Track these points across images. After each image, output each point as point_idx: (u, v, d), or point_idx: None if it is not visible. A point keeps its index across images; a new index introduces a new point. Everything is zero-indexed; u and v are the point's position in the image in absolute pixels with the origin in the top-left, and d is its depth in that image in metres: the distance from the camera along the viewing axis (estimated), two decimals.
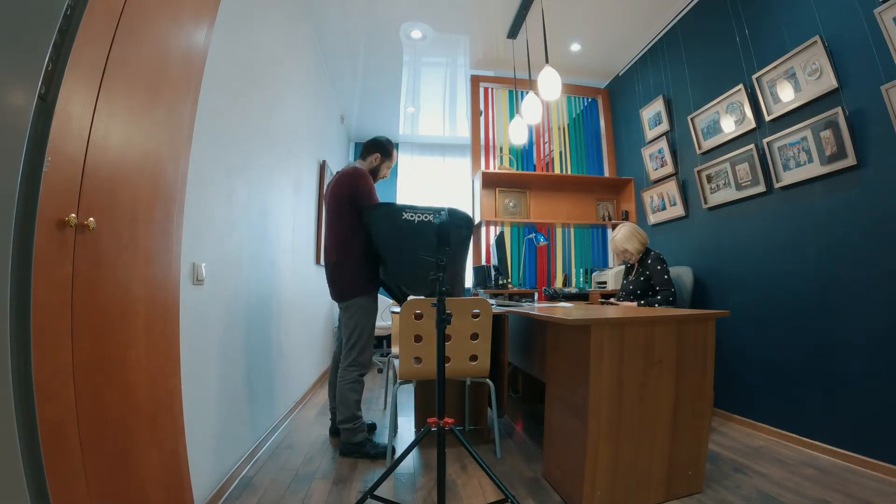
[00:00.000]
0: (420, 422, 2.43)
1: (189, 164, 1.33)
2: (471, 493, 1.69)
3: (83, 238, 0.89)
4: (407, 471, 1.92)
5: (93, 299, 0.93)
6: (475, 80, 4.09)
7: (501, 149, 4.17)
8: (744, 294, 2.56)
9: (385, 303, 4.28)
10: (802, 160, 2.22)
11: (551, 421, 1.80)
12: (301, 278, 3.11)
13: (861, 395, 1.92)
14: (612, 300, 2.81)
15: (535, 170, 4.35)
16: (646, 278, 2.59)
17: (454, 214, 2.07)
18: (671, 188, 3.23)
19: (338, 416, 2.06)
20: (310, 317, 3.40)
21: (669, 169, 3.26)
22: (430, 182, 5.58)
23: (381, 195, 2.16)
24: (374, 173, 2.30)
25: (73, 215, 0.85)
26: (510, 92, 4.17)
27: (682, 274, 2.81)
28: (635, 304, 2.59)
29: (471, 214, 2.25)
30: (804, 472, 1.87)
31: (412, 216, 2.02)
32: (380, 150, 2.30)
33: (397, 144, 5.70)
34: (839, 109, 2.01)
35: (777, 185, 2.37)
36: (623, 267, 2.97)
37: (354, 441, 2.02)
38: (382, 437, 2.32)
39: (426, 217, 2.03)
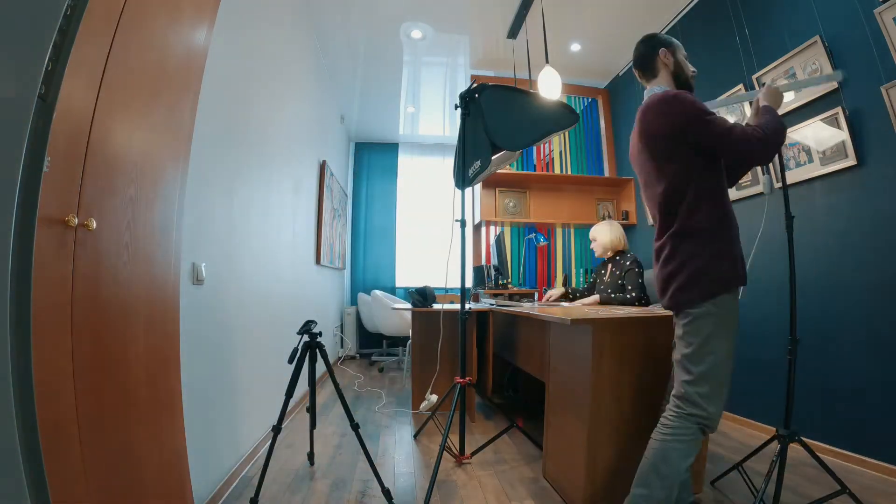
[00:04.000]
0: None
1: (189, 163, 1.33)
2: (470, 492, 1.69)
3: (83, 238, 0.89)
4: (407, 470, 1.92)
5: (93, 299, 0.93)
6: (475, 80, 4.08)
7: None
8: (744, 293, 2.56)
9: (389, 304, 4.27)
10: (802, 160, 2.22)
11: (551, 421, 1.80)
12: (301, 278, 3.11)
13: (861, 394, 1.92)
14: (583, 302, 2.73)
15: (535, 170, 4.35)
16: (622, 279, 2.59)
17: None
18: None
19: (636, 489, 1.27)
20: (310, 316, 3.39)
21: None
22: (429, 182, 5.58)
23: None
24: (682, 79, 1.44)
25: (73, 215, 0.85)
26: None
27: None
28: (597, 297, 2.58)
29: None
30: (804, 472, 1.87)
31: None
32: (661, 43, 1.45)
33: (397, 144, 5.70)
34: (839, 109, 2.01)
35: (776, 185, 2.37)
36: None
37: None
38: (387, 435, 2.31)
39: None
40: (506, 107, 1.88)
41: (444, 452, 1.87)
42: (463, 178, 1.97)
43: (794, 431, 1.55)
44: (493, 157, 1.85)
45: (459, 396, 1.93)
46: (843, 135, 2.01)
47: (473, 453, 2.03)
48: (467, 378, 1.98)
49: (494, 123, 1.83)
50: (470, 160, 1.95)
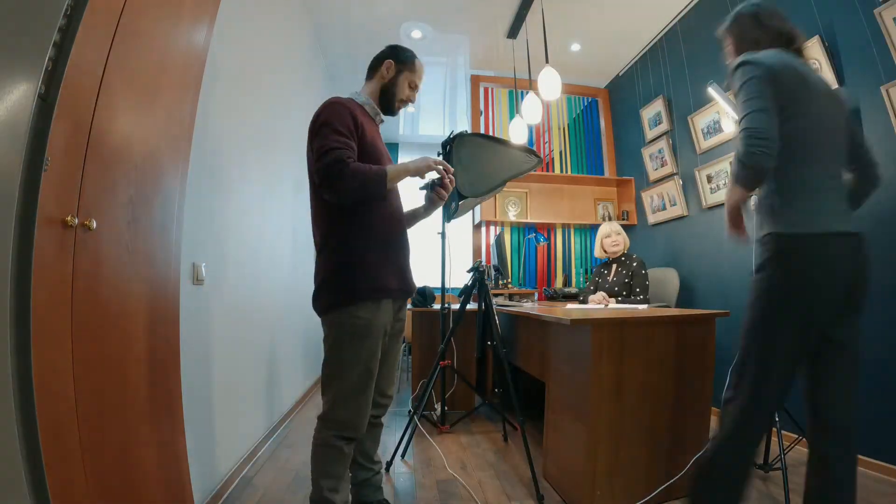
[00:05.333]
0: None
1: (189, 163, 1.33)
2: (471, 491, 1.69)
3: (83, 238, 0.89)
4: (406, 470, 1.92)
5: (93, 299, 0.93)
6: (475, 80, 4.08)
7: None
8: (743, 293, 2.55)
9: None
10: None
11: (551, 421, 1.80)
12: (301, 278, 3.11)
13: (860, 394, 1.92)
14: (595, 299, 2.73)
15: (535, 170, 4.35)
16: (629, 279, 2.62)
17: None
18: (671, 188, 3.23)
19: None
20: (310, 316, 3.39)
21: (669, 169, 3.26)
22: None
23: None
24: (388, 96, 1.47)
25: (73, 215, 0.84)
26: (510, 92, 4.17)
27: (666, 276, 2.84)
28: (613, 300, 2.60)
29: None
30: (804, 472, 1.86)
31: None
32: (392, 54, 1.49)
33: (397, 144, 5.69)
34: None
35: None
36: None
37: None
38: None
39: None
40: (471, 157, 2.03)
41: (426, 421, 2.47)
42: (444, 215, 2.18)
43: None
44: (461, 202, 2.07)
45: (440, 375, 2.28)
46: None
47: (452, 425, 2.43)
48: (447, 361, 2.32)
49: (460, 173, 1.95)
50: (449, 201, 2.17)
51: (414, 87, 1.53)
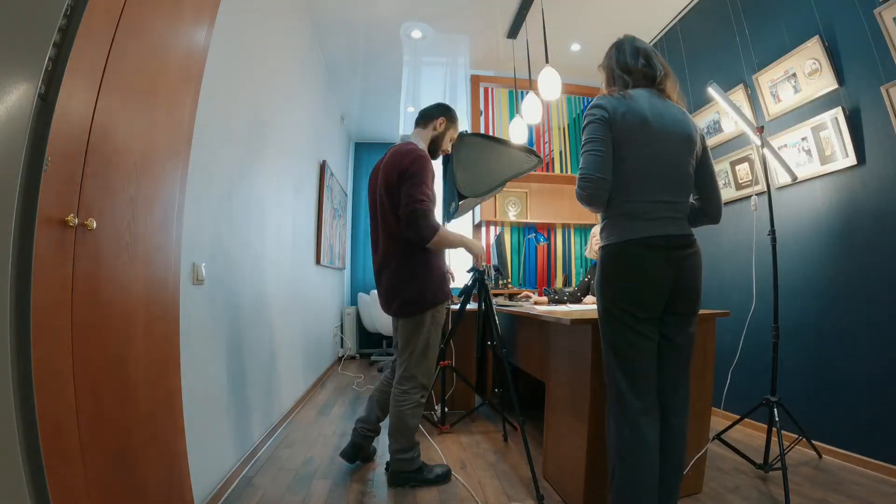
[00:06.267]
0: None
1: (189, 163, 1.33)
2: (471, 491, 1.69)
3: (83, 238, 0.89)
4: None
5: (93, 299, 0.93)
6: (475, 80, 4.08)
7: None
8: (743, 294, 2.56)
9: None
10: (802, 160, 2.22)
11: (551, 421, 1.80)
12: (301, 278, 3.11)
13: (861, 394, 1.92)
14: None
15: (535, 170, 4.34)
16: None
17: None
18: None
19: (393, 445, 1.75)
20: (310, 316, 3.40)
21: None
22: None
23: None
24: (435, 146, 1.89)
25: (73, 215, 0.84)
26: (510, 92, 4.16)
27: None
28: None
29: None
30: (804, 472, 1.87)
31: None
32: (445, 112, 1.89)
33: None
34: (839, 109, 2.01)
35: (777, 185, 2.37)
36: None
37: (413, 469, 1.76)
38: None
39: None
40: (472, 157, 2.06)
41: (426, 421, 2.53)
42: (444, 215, 2.19)
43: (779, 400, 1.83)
44: (461, 203, 2.09)
45: (440, 375, 2.42)
46: (843, 134, 2.01)
47: (452, 425, 2.48)
48: (448, 361, 2.50)
49: (460, 173, 2.02)
50: (448, 200, 2.20)
51: (451, 141, 1.94)
